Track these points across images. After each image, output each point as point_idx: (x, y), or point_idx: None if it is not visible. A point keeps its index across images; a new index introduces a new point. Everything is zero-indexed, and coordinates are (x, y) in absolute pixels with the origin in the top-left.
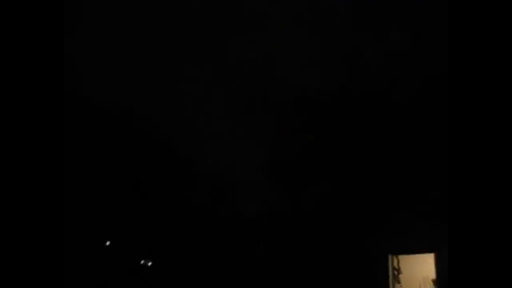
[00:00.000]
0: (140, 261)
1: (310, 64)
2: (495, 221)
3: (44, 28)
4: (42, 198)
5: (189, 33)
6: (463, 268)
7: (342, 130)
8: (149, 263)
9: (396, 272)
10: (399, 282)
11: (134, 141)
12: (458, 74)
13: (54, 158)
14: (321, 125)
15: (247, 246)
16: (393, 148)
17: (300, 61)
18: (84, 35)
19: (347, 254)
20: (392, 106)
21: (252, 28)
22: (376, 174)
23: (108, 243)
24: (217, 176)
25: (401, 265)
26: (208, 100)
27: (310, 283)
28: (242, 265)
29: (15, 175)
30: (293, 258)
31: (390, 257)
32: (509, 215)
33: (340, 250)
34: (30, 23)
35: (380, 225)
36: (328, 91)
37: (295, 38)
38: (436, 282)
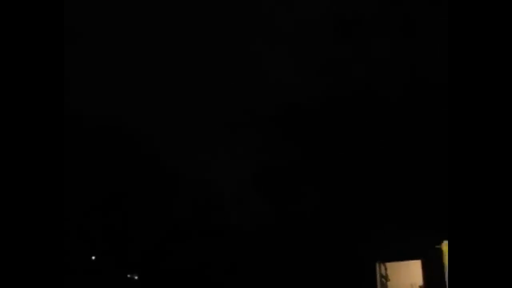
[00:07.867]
0: (127, 275)
1: (296, 75)
2: (493, 229)
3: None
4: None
5: (178, 51)
6: (462, 274)
7: (330, 140)
8: (136, 277)
9: (384, 280)
10: None
11: (122, 155)
12: (457, 84)
13: (54, 176)
14: (308, 135)
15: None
16: (381, 158)
17: (286, 72)
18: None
19: (335, 262)
20: (379, 114)
21: (239, 42)
22: (363, 183)
23: (93, 257)
24: (204, 188)
25: (388, 272)
26: (196, 113)
27: None
28: (231, 277)
29: (16, 186)
30: (280, 268)
31: (377, 264)
32: (508, 223)
33: (327, 258)
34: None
35: (367, 234)
36: (314, 99)
37: (280, 51)
38: None
